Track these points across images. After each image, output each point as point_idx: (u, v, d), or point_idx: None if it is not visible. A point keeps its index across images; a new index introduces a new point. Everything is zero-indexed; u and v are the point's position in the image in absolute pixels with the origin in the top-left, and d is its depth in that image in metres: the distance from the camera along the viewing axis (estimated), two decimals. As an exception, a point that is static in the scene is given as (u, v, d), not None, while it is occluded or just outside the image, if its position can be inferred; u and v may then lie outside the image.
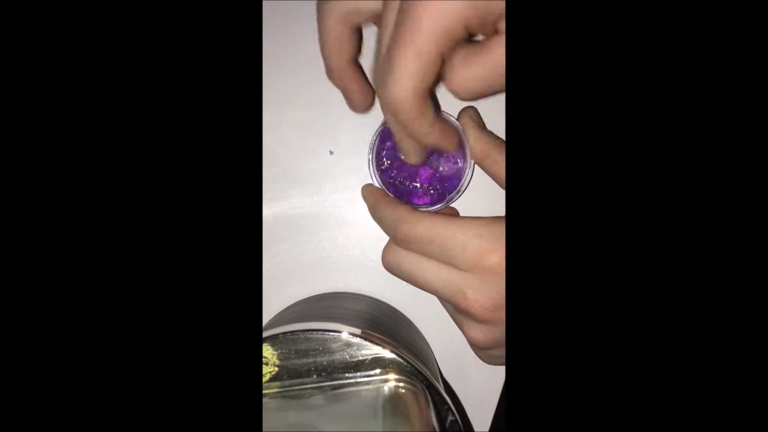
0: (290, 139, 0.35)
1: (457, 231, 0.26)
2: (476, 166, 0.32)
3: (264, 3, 0.31)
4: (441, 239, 0.27)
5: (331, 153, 0.36)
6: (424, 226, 0.27)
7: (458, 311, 0.28)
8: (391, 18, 0.23)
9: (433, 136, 0.26)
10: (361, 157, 0.35)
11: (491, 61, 0.23)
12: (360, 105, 0.30)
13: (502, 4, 0.21)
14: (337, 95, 0.35)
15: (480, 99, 0.26)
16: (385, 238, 0.31)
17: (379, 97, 0.25)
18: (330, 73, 0.29)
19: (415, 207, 0.31)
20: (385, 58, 0.23)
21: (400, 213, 0.29)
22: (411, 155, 0.28)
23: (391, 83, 0.23)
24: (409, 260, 0.28)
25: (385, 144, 0.32)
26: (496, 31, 0.23)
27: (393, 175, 0.32)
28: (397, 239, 0.29)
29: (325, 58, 0.29)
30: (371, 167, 0.32)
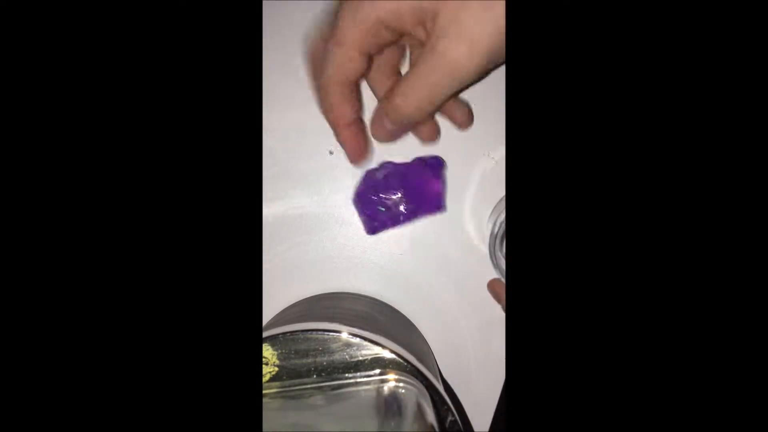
0: (290, 139, 0.35)
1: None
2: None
3: (264, 3, 0.31)
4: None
5: (331, 153, 0.36)
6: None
7: None
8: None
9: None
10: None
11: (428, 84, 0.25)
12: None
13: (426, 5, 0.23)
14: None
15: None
16: (383, 242, 0.32)
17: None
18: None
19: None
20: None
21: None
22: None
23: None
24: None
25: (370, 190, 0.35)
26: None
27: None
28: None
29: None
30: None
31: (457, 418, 0.28)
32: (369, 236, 0.36)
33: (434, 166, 0.34)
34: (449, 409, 0.28)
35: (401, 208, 0.34)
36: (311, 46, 0.28)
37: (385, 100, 0.27)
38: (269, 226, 0.36)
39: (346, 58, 0.26)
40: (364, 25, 0.25)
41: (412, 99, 0.26)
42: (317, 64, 0.28)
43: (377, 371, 0.27)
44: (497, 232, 0.31)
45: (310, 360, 0.27)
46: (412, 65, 0.28)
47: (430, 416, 0.25)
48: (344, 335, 0.27)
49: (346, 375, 0.27)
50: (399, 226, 0.35)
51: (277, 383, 0.27)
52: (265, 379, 0.27)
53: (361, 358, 0.27)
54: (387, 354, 0.27)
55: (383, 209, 0.34)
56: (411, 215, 0.35)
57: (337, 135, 0.29)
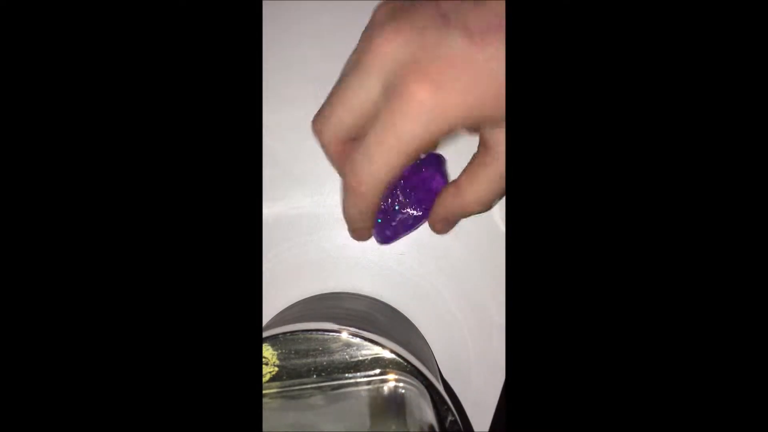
0: (290, 139, 0.35)
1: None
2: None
3: (264, 3, 0.31)
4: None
5: (331, 153, 0.35)
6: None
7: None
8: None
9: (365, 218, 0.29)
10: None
11: (491, 174, 0.27)
12: None
13: (494, 112, 0.24)
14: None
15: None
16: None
17: (347, 171, 0.26)
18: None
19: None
20: (370, 141, 0.25)
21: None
22: (355, 222, 0.29)
23: (368, 165, 0.25)
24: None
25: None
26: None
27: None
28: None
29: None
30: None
31: (457, 418, 0.27)
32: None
33: (436, 163, 0.34)
34: (449, 409, 0.28)
35: (409, 213, 0.34)
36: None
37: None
38: (269, 226, 0.36)
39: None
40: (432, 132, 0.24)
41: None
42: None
43: (377, 371, 0.27)
44: None
45: (310, 360, 0.27)
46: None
47: (430, 416, 0.25)
48: (344, 335, 0.27)
49: (346, 375, 0.27)
50: (411, 231, 0.35)
51: (277, 383, 0.27)
52: (265, 379, 0.27)
53: (361, 358, 0.27)
54: (387, 354, 0.27)
55: (393, 221, 0.34)
56: (420, 219, 0.34)
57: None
